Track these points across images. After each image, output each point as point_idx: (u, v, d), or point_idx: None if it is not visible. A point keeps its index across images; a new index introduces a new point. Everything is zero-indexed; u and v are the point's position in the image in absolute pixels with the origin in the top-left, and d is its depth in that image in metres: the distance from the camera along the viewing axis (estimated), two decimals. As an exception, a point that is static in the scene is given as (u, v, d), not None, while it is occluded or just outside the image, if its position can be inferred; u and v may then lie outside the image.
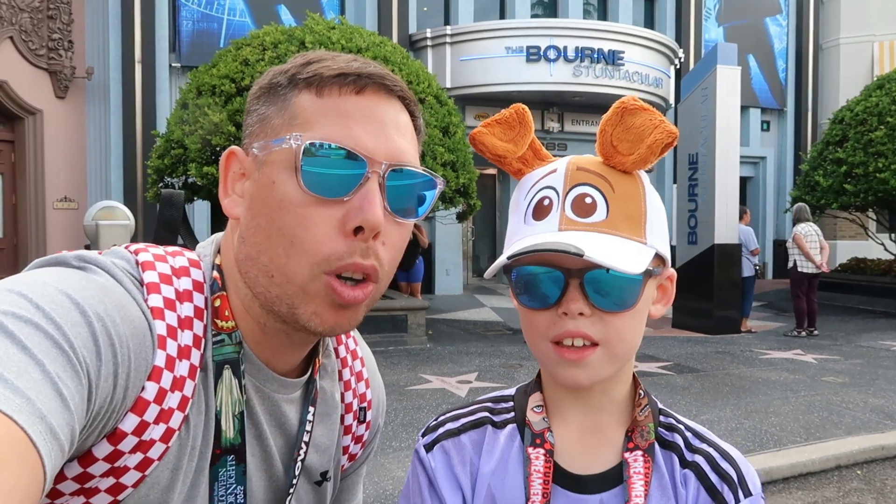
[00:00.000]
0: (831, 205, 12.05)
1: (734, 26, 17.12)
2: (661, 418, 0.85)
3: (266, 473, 0.79)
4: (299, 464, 0.81)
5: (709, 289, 9.68)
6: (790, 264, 9.58)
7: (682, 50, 15.37)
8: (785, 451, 4.59)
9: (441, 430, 0.87)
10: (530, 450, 0.81)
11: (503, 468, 0.82)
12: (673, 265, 0.83)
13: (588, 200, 0.75)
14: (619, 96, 0.75)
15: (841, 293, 13.05)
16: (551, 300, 0.75)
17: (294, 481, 0.81)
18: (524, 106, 0.81)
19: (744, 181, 16.80)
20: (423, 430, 0.90)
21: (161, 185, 8.39)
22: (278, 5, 12.75)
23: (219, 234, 0.81)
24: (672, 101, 14.47)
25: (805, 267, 9.42)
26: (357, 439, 0.93)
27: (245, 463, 0.74)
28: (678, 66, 15.16)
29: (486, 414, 0.87)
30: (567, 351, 0.75)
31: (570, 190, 0.76)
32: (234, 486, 0.74)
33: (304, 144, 0.67)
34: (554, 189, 0.77)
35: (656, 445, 0.82)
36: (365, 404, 0.94)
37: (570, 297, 0.74)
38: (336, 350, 0.90)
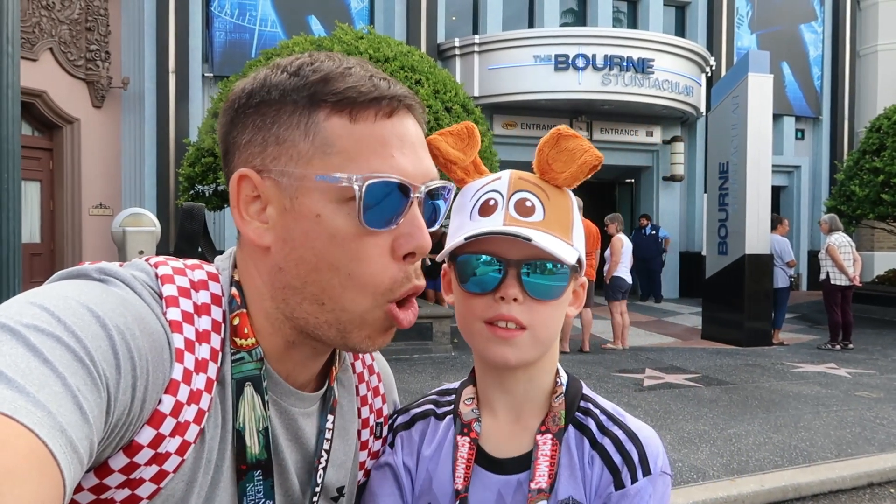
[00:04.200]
0: (867, 215, 11.78)
1: (768, 33, 16.85)
2: (581, 403, 0.92)
3: (282, 488, 0.78)
4: (321, 472, 0.81)
5: (739, 300, 9.50)
6: (822, 276, 9.37)
7: (713, 58, 15.18)
8: (815, 467, 4.49)
9: (395, 424, 0.97)
10: (459, 438, 0.91)
11: (438, 454, 0.92)
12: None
13: (528, 204, 0.86)
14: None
15: (878, 306, 12.72)
16: (491, 286, 0.84)
17: (317, 489, 0.81)
18: (473, 124, 0.92)
19: (777, 190, 16.49)
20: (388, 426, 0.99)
21: (192, 192, 8.54)
22: (309, 16, 12.92)
23: (235, 248, 0.81)
24: (703, 109, 14.28)
25: (838, 279, 9.20)
26: (373, 455, 0.94)
27: (272, 478, 0.75)
28: (709, 74, 14.96)
29: (431, 406, 0.97)
30: (499, 329, 0.85)
31: (513, 194, 0.87)
32: (263, 500, 0.74)
33: (365, 185, 0.67)
34: (499, 192, 0.87)
35: (571, 429, 0.89)
36: (381, 420, 0.94)
37: (508, 284, 0.84)
38: (353, 365, 0.91)
